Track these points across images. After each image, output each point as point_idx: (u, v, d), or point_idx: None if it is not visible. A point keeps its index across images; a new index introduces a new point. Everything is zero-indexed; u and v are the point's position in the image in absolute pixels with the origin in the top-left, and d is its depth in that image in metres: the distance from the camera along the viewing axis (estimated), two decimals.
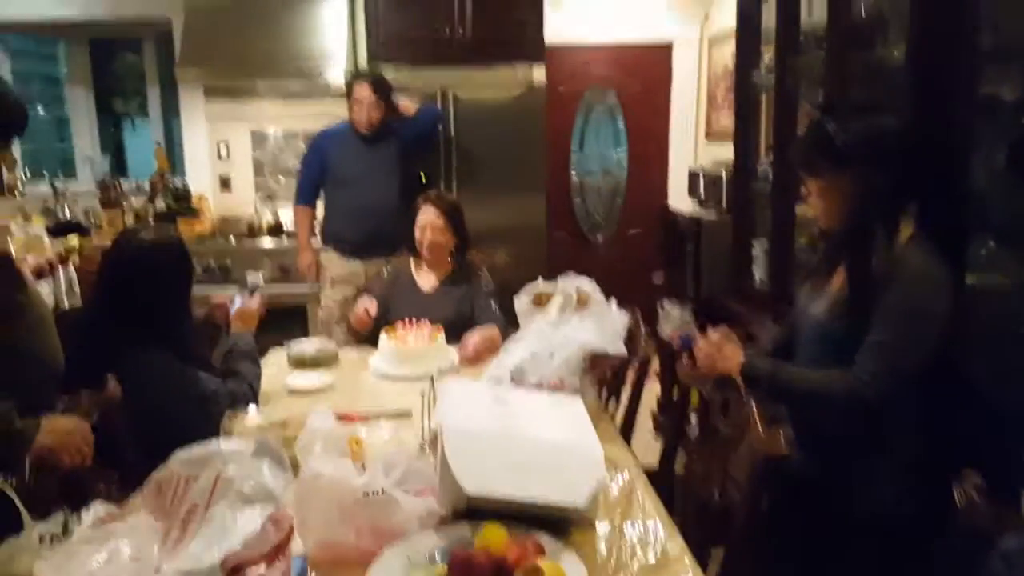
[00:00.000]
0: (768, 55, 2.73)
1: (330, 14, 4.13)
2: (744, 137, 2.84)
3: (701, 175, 3.43)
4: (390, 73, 3.76)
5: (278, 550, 0.92)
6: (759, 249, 2.78)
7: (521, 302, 2.19)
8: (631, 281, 4.57)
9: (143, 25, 4.62)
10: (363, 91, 3.33)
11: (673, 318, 3.47)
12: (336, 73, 3.96)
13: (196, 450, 1.07)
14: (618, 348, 1.99)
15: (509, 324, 2.65)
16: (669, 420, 1.91)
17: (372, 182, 3.41)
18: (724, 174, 3.12)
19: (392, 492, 1.36)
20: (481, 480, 1.34)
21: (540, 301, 2.17)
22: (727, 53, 4.22)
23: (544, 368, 1.89)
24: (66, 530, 1.13)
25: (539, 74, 3.81)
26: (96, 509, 1.15)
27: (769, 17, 2.68)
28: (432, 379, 1.82)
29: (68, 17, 4.36)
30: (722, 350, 1.67)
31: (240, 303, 2.23)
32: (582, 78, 4.69)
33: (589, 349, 1.91)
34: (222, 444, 1.09)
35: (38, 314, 1.59)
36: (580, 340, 1.90)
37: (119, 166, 5.13)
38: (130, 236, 1.95)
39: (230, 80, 4.33)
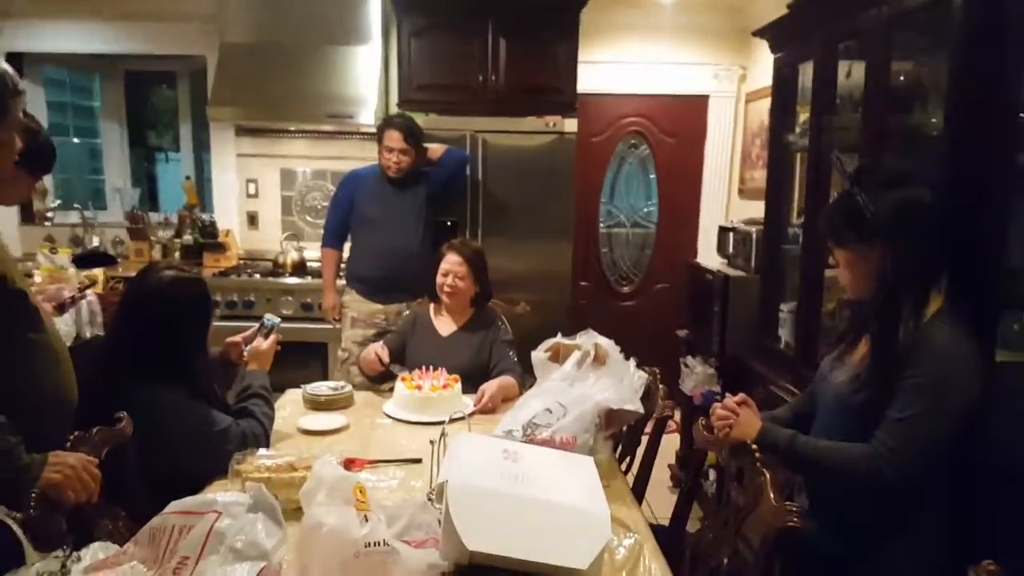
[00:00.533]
0: (804, 115, 2.72)
1: (364, 59, 4.20)
2: (775, 197, 2.81)
3: (732, 232, 3.40)
4: (420, 119, 3.82)
5: None
6: (786, 311, 2.72)
7: (538, 355, 2.17)
8: (655, 335, 4.51)
9: (178, 60, 4.75)
10: (393, 138, 3.36)
11: (696, 374, 3.45)
12: (368, 116, 4.03)
13: (191, 500, 1.06)
14: (635, 405, 1.94)
15: (526, 374, 2.63)
16: (684, 478, 1.85)
17: (397, 225, 3.44)
18: (755, 233, 3.08)
19: (393, 544, 1.34)
20: (483, 537, 1.31)
21: (557, 355, 2.15)
22: (763, 110, 4.21)
23: (558, 424, 1.85)
24: (63, 569, 1.11)
25: (570, 124, 3.83)
26: (94, 551, 1.13)
27: (806, 77, 2.68)
28: (443, 429, 1.78)
29: (105, 51, 4.53)
30: (739, 416, 1.63)
31: (255, 343, 2.23)
32: (615, 128, 4.72)
33: (605, 406, 1.86)
34: (218, 495, 1.07)
35: (53, 352, 1.59)
36: (596, 398, 1.86)
37: (151, 198, 5.25)
38: (151, 271, 1.96)
39: (261, 121, 4.42)
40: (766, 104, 4.18)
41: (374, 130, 4.22)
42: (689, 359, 3.48)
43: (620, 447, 2.20)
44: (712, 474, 3.26)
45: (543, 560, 1.30)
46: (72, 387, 1.63)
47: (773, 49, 2.83)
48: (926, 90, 1.98)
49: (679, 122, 4.72)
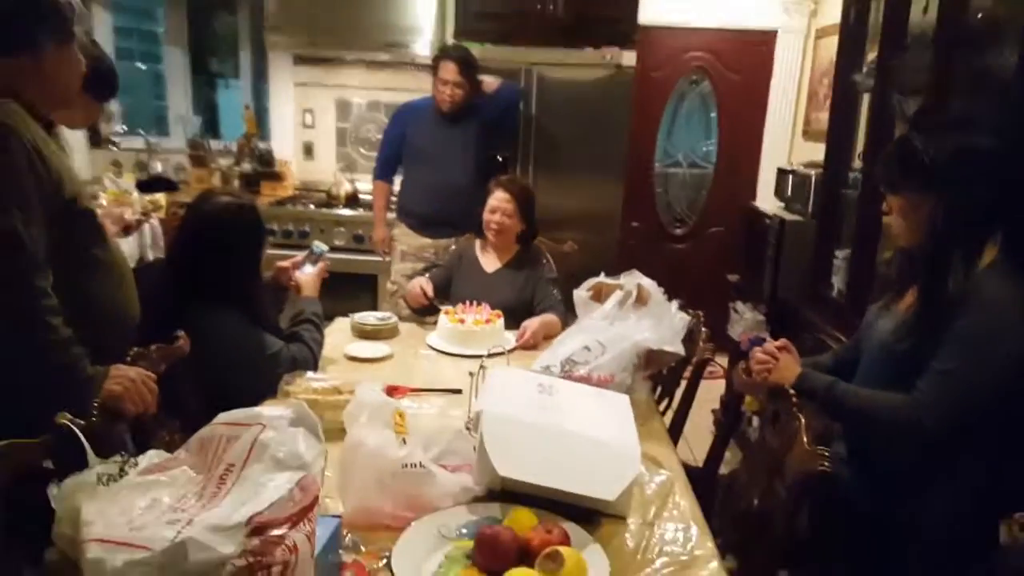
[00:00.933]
0: (873, 54, 2.58)
1: None
2: (837, 140, 2.70)
3: (790, 175, 3.29)
4: (476, 49, 3.75)
5: (302, 513, 0.94)
6: (841, 258, 2.65)
7: (580, 294, 2.17)
8: (706, 279, 4.47)
9: None
10: (448, 70, 3.32)
11: (745, 320, 3.41)
12: (423, 46, 3.98)
13: (239, 412, 1.11)
14: (675, 347, 1.94)
15: (570, 313, 2.65)
16: (725, 422, 1.87)
17: (448, 160, 3.43)
18: (814, 176, 2.98)
19: (429, 466, 1.39)
20: (514, 464, 1.36)
21: (599, 295, 2.15)
22: (834, 47, 4.01)
23: (595, 361, 1.86)
24: (122, 472, 1.19)
25: (629, 58, 3.72)
26: (150, 457, 1.21)
27: (880, 13, 2.53)
28: (482, 362, 1.82)
29: None
30: (779, 361, 1.61)
31: (303, 269, 2.29)
32: (676, 63, 4.56)
33: (644, 347, 1.87)
34: (264, 410, 1.12)
35: (117, 270, 1.66)
36: (635, 337, 1.86)
37: (212, 125, 5.30)
38: (207, 197, 2.03)
39: (317, 49, 4.39)
40: (835, 41, 3.98)
41: (429, 61, 4.18)
42: (739, 304, 3.44)
43: (659, 388, 2.21)
44: (756, 420, 3.26)
45: (572, 489, 1.33)
46: (134, 304, 1.71)
47: None
48: (1002, 29, 1.85)
49: (744, 58, 4.53)
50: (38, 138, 1.45)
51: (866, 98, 2.68)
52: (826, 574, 1.61)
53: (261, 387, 1.92)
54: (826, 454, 1.31)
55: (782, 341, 1.71)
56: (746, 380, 1.71)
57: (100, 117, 2.62)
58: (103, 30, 4.58)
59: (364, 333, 2.51)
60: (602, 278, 2.15)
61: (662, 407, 2.16)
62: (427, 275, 2.81)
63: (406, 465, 1.37)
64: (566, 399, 1.60)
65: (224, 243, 1.95)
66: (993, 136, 1.49)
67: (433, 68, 3.42)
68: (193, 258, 1.95)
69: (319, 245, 2.36)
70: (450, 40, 4.06)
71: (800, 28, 4.42)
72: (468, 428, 1.73)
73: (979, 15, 1.93)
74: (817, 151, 3.96)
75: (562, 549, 1.17)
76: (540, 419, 1.48)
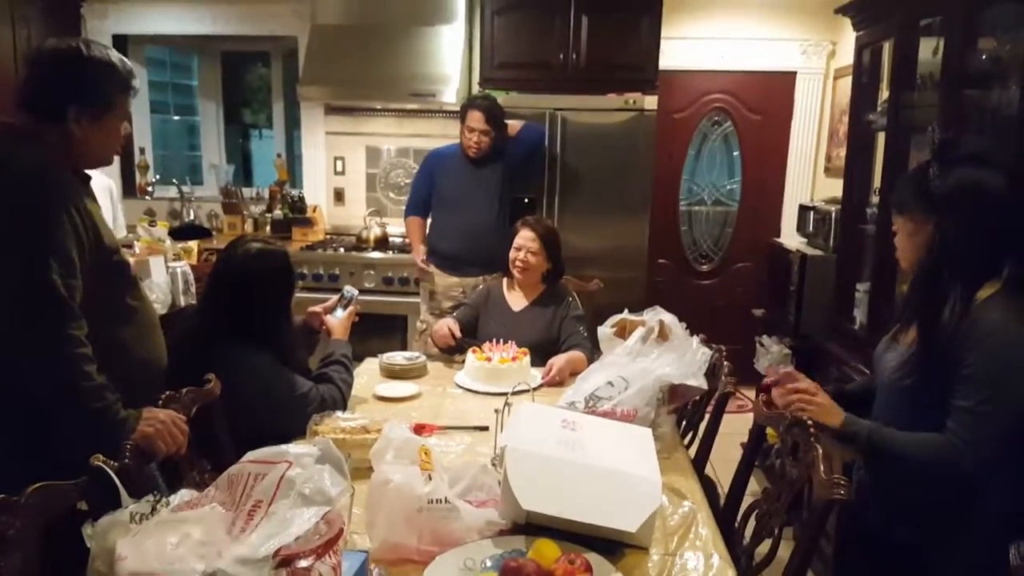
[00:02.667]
0: (886, 94, 2.64)
1: (448, 38, 4.27)
2: (855, 176, 2.74)
3: (812, 211, 3.33)
4: (501, 97, 3.88)
5: (328, 546, 0.99)
6: (862, 291, 2.67)
7: (604, 331, 2.22)
8: (733, 313, 4.49)
9: (271, 41, 4.96)
10: (475, 119, 3.43)
11: (771, 353, 3.41)
12: (450, 95, 4.12)
13: (266, 450, 1.17)
14: (698, 381, 1.97)
15: (596, 350, 2.69)
16: (746, 454, 1.87)
17: (475, 203, 3.53)
18: (834, 211, 3.01)
19: (454, 501, 1.43)
20: (537, 497, 1.39)
21: (623, 331, 2.19)
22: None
23: (619, 397, 1.90)
24: (154, 511, 1.23)
25: (651, 102, 3.82)
26: (181, 496, 1.26)
27: (890, 55, 2.59)
28: (507, 398, 1.87)
29: (203, 32, 4.77)
30: (820, 401, 1.61)
31: (335, 313, 2.38)
32: (698, 105, 4.66)
33: (667, 381, 1.90)
34: (290, 447, 1.18)
35: (148, 318, 1.74)
36: (657, 372, 1.90)
37: (246, 174, 5.50)
38: (238, 243, 2.12)
39: (349, 100, 4.57)
40: None
41: (456, 108, 4.31)
42: (764, 338, 3.45)
43: (684, 422, 2.23)
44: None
45: (594, 521, 1.37)
46: (163, 350, 1.79)
47: (857, 26, 2.76)
48: (1007, 69, 1.90)
49: (765, 99, 4.61)
50: (77, 192, 1.55)
51: (879, 136, 2.72)
52: None
53: (290, 427, 1.96)
54: (842, 482, 1.32)
55: (810, 382, 1.71)
56: (767, 412, 1.72)
57: (137, 168, 2.80)
58: (139, 84, 4.81)
59: (393, 373, 2.57)
60: (625, 315, 2.20)
61: (687, 440, 2.18)
62: (454, 315, 2.88)
63: (432, 501, 1.40)
64: (589, 433, 1.64)
65: (254, 287, 2.03)
66: (1003, 174, 1.52)
67: (461, 116, 3.54)
68: (225, 302, 2.04)
69: (350, 289, 2.46)
70: (476, 89, 4.20)
71: (819, 69, 4.50)
72: (494, 464, 1.78)
73: (983, 56, 1.98)
74: (839, 187, 3.97)
75: None
76: (563, 453, 1.52)
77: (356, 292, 2.46)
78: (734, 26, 4.48)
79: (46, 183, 1.51)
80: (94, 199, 1.64)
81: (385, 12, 4.30)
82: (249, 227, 4.82)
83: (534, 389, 2.28)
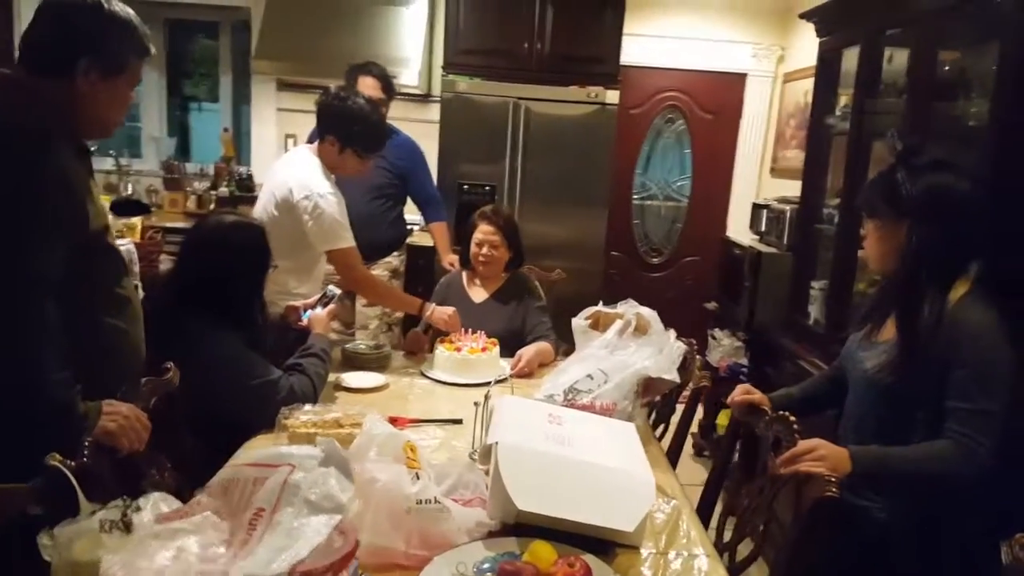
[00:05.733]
0: (843, 99, 2.72)
1: (410, 20, 4.22)
2: (812, 177, 2.83)
3: (765, 210, 3.41)
4: (464, 83, 3.84)
5: (344, 561, 0.94)
6: (817, 288, 2.76)
7: (579, 323, 2.22)
8: (683, 306, 4.54)
9: (222, 10, 4.73)
10: (369, 85, 3.22)
11: (723, 346, 3.50)
12: (412, 77, 4.05)
13: (264, 452, 1.10)
14: (672, 375, 1.99)
15: (561, 340, 2.69)
16: (717, 449, 1.91)
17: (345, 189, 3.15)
18: (789, 211, 3.10)
19: (444, 501, 1.39)
20: (532, 497, 1.37)
21: (598, 324, 2.19)
22: (800, 91, 4.21)
23: (599, 390, 1.91)
24: (124, 518, 1.13)
25: (613, 95, 3.84)
26: (155, 501, 1.16)
27: (847, 61, 2.68)
28: (488, 392, 1.84)
29: None
30: (826, 454, 1.52)
31: (313, 310, 2.32)
32: (653, 102, 4.72)
33: (644, 375, 1.92)
34: (292, 449, 1.12)
35: (134, 307, 1.62)
36: (636, 366, 1.91)
37: (183, 148, 5.22)
38: (212, 215, 2.03)
39: (304, 76, 4.42)
40: (803, 85, 4.18)
41: (417, 91, 4.25)
42: (717, 331, 3.53)
43: (654, 415, 2.26)
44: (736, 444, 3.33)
45: (591, 521, 1.36)
46: (143, 340, 1.67)
47: (819, 33, 2.83)
48: (971, 80, 1.99)
49: (716, 99, 4.71)
50: (70, 168, 1.42)
51: (837, 140, 2.81)
52: None
53: (256, 417, 1.89)
54: (832, 479, 1.36)
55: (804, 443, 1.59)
56: (782, 470, 1.58)
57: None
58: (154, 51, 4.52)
59: (356, 362, 2.51)
60: (600, 307, 2.21)
61: (657, 433, 2.21)
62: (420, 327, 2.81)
63: (420, 501, 1.34)
64: (575, 429, 1.64)
65: (226, 262, 1.94)
66: (967, 179, 1.59)
67: (348, 82, 3.26)
68: (195, 277, 1.94)
69: (332, 288, 2.41)
70: (437, 72, 4.10)
71: (768, 72, 4.62)
72: (473, 459, 1.76)
73: (946, 67, 2.07)
74: (784, 187, 4.13)
75: None
76: (553, 450, 1.51)
77: (339, 291, 2.41)
78: (690, 26, 4.55)
79: (26, 145, 1.36)
80: (91, 172, 1.50)
81: None
82: (192, 204, 4.63)
83: (500, 381, 2.28)
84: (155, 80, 5.01)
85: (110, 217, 3.34)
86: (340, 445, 1.68)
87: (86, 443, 1.35)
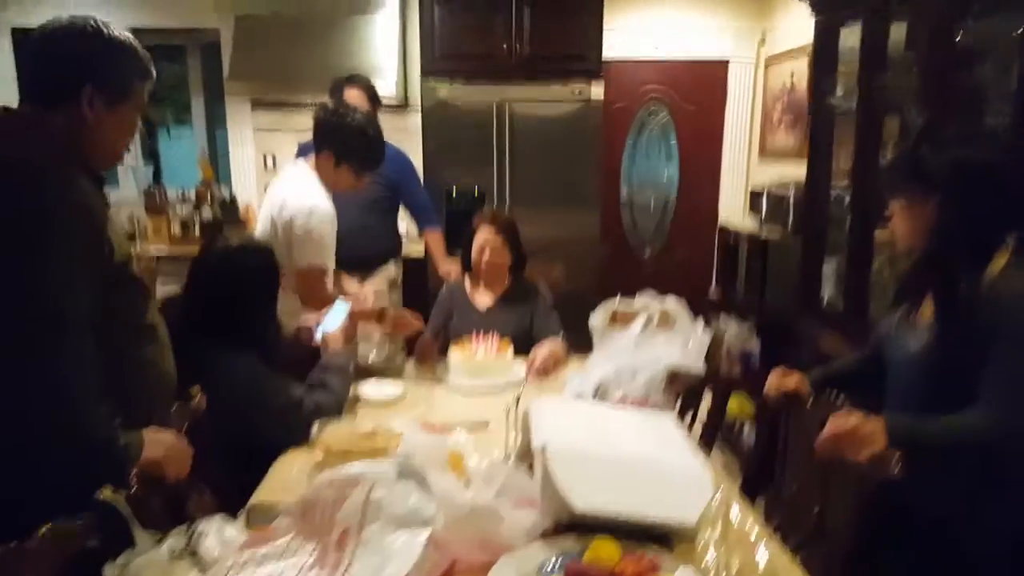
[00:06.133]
0: (845, 78, 2.72)
1: (382, 29, 4.16)
2: (817, 160, 2.81)
3: (765, 194, 3.41)
4: (445, 88, 3.80)
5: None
6: (829, 270, 2.75)
7: (597, 319, 2.19)
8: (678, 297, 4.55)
9: (188, 33, 4.65)
10: (354, 96, 3.19)
11: (731, 335, 3.47)
12: (388, 87, 3.99)
13: (339, 473, 1.06)
14: (699, 367, 1.97)
15: (571, 337, 2.66)
16: (761, 434, 1.88)
17: (338, 203, 2.98)
18: (792, 195, 3.09)
19: (499, 506, 1.35)
20: (589, 497, 1.33)
21: (616, 319, 2.16)
22: (785, 73, 4.22)
23: (628, 386, 1.87)
24: (190, 544, 1.12)
25: (596, 90, 3.81)
26: (217, 526, 1.14)
27: (846, 38, 2.67)
28: (519, 394, 1.80)
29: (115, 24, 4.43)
30: (863, 427, 1.50)
31: (325, 327, 2.26)
32: (636, 95, 4.70)
33: (675, 368, 1.88)
34: (366, 466, 1.08)
35: (162, 337, 1.58)
36: (666, 359, 1.88)
37: (155, 174, 5.13)
38: (218, 240, 2.00)
39: (279, 94, 4.36)
40: (787, 67, 4.19)
41: (394, 101, 4.20)
42: (723, 317, 3.51)
43: (679, 405, 2.23)
44: (746, 427, 3.32)
45: (653, 516, 1.32)
46: (174, 370, 1.62)
47: (816, 11, 2.81)
48: (988, 49, 1.97)
49: (699, 88, 4.70)
50: (90, 197, 1.37)
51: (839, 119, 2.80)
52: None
53: (284, 437, 1.87)
54: (895, 458, 1.33)
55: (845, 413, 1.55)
56: (825, 453, 1.58)
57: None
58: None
59: (370, 374, 2.45)
60: (618, 302, 2.17)
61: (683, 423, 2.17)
62: (426, 332, 2.76)
63: (476, 508, 1.32)
64: (616, 425, 1.60)
65: (236, 286, 1.90)
66: (994, 149, 1.56)
67: (336, 97, 3.21)
68: (206, 303, 1.89)
69: (342, 303, 2.35)
70: (415, 79, 4.05)
71: (750, 57, 4.62)
72: (509, 459, 1.72)
73: (958, 37, 2.05)
74: (773, 171, 4.14)
75: None
76: (601, 448, 1.47)
77: (348, 305, 2.34)
78: (668, 16, 4.54)
79: (47, 180, 1.32)
80: (106, 202, 1.45)
81: (312, 1, 4.13)
82: (176, 229, 4.54)
83: (517, 383, 2.24)
84: None
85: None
86: (378, 457, 1.66)
87: (133, 474, 1.33)
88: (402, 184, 3.40)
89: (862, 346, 1.87)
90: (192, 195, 4.69)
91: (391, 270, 3.45)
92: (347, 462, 1.67)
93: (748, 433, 3.15)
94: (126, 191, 4.87)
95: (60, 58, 1.39)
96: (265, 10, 4.14)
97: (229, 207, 4.57)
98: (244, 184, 4.72)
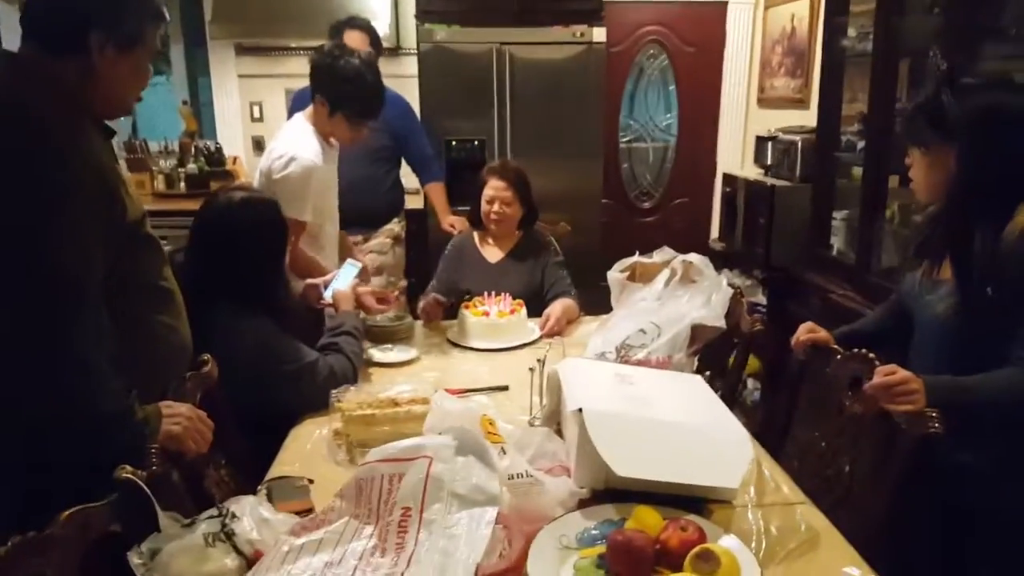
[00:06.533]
0: (857, 19, 2.63)
1: None
2: (828, 104, 2.74)
3: (771, 142, 3.34)
4: (443, 31, 3.65)
5: (522, 558, 0.86)
6: (839, 219, 2.71)
7: (615, 275, 2.14)
8: (678, 248, 4.49)
9: None
10: (355, 39, 3.02)
11: (737, 285, 3.45)
12: (382, 29, 3.80)
13: (394, 447, 1.01)
14: (721, 322, 1.94)
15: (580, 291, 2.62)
16: (777, 390, 1.86)
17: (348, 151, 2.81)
18: (800, 141, 3.03)
19: (536, 474, 1.33)
20: (629, 462, 1.30)
21: (634, 275, 2.12)
22: (784, 16, 4.10)
23: (652, 344, 1.84)
24: (225, 528, 1.07)
25: (599, 34, 3.68)
26: (251, 507, 1.09)
27: None
28: (542, 358, 1.76)
29: None
30: (904, 387, 1.44)
31: (335, 286, 2.18)
32: (634, 38, 4.57)
33: (700, 324, 1.85)
34: (424, 440, 1.03)
35: (177, 299, 1.51)
36: (691, 316, 1.84)
37: (131, 125, 4.95)
38: (220, 194, 1.90)
39: (264, 38, 4.20)
40: (787, 10, 4.07)
41: (388, 44, 4.03)
42: (725, 271, 3.48)
43: (697, 362, 2.20)
44: (751, 383, 3.33)
45: (694, 482, 1.30)
46: (189, 335, 1.55)
47: None
48: None
49: (698, 30, 4.57)
50: (102, 155, 1.29)
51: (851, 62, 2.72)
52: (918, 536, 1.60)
53: (299, 403, 1.83)
54: (934, 415, 1.31)
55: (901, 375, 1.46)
56: (865, 405, 1.54)
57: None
58: (7, 27, 4.19)
59: (378, 336, 2.39)
60: (636, 257, 2.12)
61: None
62: (431, 287, 2.69)
63: (512, 476, 1.29)
64: (649, 387, 1.57)
65: (243, 243, 1.82)
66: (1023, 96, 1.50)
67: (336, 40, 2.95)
68: (210, 262, 1.81)
69: (352, 262, 2.27)
70: (409, 20, 3.90)
71: None
72: (534, 424, 1.69)
73: None
74: (772, 117, 4.05)
75: (712, 547, 1.13)
76: (637, 411, 1.45)
77: (360, 265, 2.27)
78: None
79: (57, 134, 1.22)
80: (115, 157, 1.37)
81: None
82: (160, 184, 4.39)
83: (533, 343, 2.21)
84: None
85: None
86: (399, 426, 1.62)
87: (152, 450, 1.27)
88: (405, 133, 3.25)
89: (873, 299, 1.84)
90: (176, 147, 4.55)
91: (395, 226, 3.35)
92: (370, 428, 1.69)
93: (751, 390, 3.15)
94: None
95: (67, 2, 1.29)
96: None
97: (215, 159, 4.42)
98: (230, 135, 4.58)
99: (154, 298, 1.42)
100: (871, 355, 1.52)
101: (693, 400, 1.55)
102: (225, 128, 4.58)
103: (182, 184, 4.38)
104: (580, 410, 1.36)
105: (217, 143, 4.50)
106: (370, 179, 3.12)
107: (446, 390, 1.89)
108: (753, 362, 3.21)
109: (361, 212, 3.02)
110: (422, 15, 3.77)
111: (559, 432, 1.58)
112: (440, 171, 3.40)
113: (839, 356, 1.62)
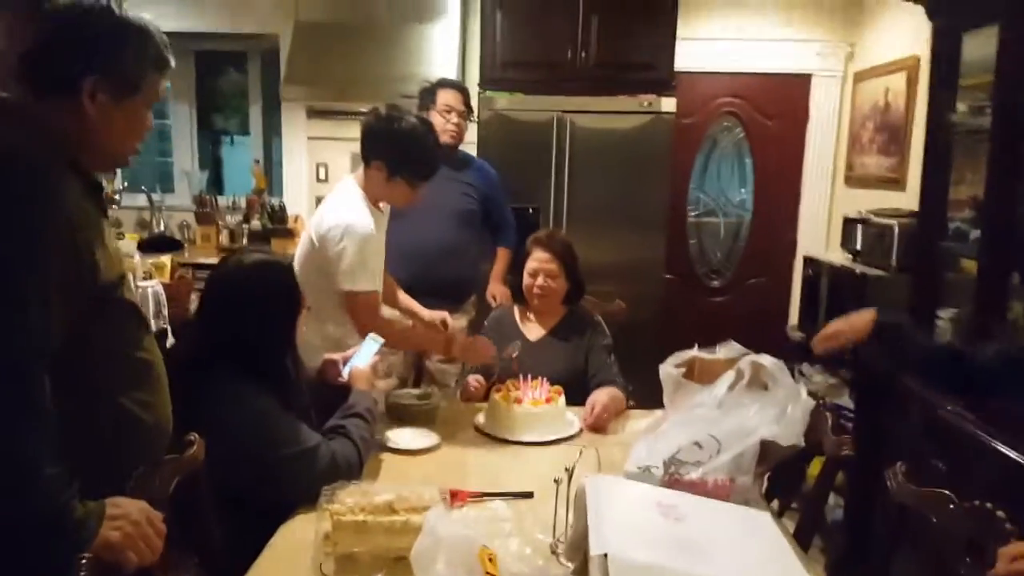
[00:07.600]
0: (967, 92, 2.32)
1: (441, 37, 4.01)
2: (933, 186, 2.40)
3: (861, 224, 2.99)
4: (505, 99, 3.52)
5: None
6: (945, 318, 2.32)
7: (669, 370, 1.82)
8: (752, 335, 4.08)
9: (249, 40, 4.60)
10: (451, 97, 2.90)
11: (815, 384, 3.04)
12: None
13: None
14: (799, 440, 1.58)
15: (626, 381, 2.32)
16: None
17: (429, 216, 2.73)
18: (897, 226, 2.67)
19: None
20: None
21: (692, 372, 1.80)
22: (876, 90, 3.81)
23: (710, 463, 1.50)
24: None
25: (668, 103, 3.47)
26: None
27: (971, 47, 2.28)
28: (573, 467, 1.45)
29: (177, 28, 4.27)
30: None
31: (354, 362, 2.00)
32: (708, 109, 4.33)
33: (769, 443, 1.51)
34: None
35: (158, 374, 1.34)
36: (760, 432, 1.50)
37: (217, 182, 5.12)
38: (234, 255, 1.78)
39: (334, 102, 4.25)
40: (878, 84, 3.78)
41: None
42: (805, 366, 3.09)
43: (766, 483, 1.84)
44: (832, 498, 2.89)
45: None
46: (170, 410, 1.37)
47: (932, 15, 2.42)
48: None
49: (778, 103, 4.30)
50: (76, 208, 1.14)
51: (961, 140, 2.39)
52: None
53: (291, 492, 1.59)
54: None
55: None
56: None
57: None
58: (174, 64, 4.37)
59: (401, 415, 2.14)
60: (696, 351, 1.81)
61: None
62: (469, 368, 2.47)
63: None
64: (701, 527, 1.23)
65: (251, 307, 1.66)
66: None
67: (427, 100, 2.93)
68: (216, 326, 1.66)
69: (374, 338, 2.06)
70: (474, 89, 3.78)
71: (836, 72, 4.21)
72: (555, 553, 1.39)
73: None
74: (861, 197, 3.75)
75: None
76: (680, 565, 1.11)
77: (381, 340, 2.06)
78: (745, 26, 4.18)
79: (30, 185, 1.10)
80: (103, 211, 1.23)
81: (373, 8, 4.03)
82: (225, 239, 4.45)
83: (571, 437, 1.93)
84: (185, 114, 4.90)
85: (136, 258, 3.13)
86: (395, 538, 1.36)
87: (82, 561, 1.04)
88: (491, 197, 3.09)
89: (990, 420, 1.47)
90: (243, 204, 4.56)
91: (472, 310, 3.09)
92: (361, 537, 1.43)
93: (832, 506, 2.72)
94: (181, 197, 4.83)
95: (61, 39, 1.19)
96: (325, 16, 4.10)
97: (278, 216, 4.42)
98: (296, 195, 4.61)
99: (125, 370, 1.25)
100: (999, 512, 1.15)
101: (757, 551, 1.21)
102: (292, 187, 4.61)
103: (244, 239, 4.43)
104: (606, 556, 1.05)
105: (282, 201, 4.54)
106: (457, 246, 2.93)
107: (458, 493, 1.63)
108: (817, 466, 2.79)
109: (442, 281, 2.83)
110: (485, 83, 3.64)
111: (587, 567, 1.26)
112: (514, 239, 3.15)
113: (952, 506, 1.24)
